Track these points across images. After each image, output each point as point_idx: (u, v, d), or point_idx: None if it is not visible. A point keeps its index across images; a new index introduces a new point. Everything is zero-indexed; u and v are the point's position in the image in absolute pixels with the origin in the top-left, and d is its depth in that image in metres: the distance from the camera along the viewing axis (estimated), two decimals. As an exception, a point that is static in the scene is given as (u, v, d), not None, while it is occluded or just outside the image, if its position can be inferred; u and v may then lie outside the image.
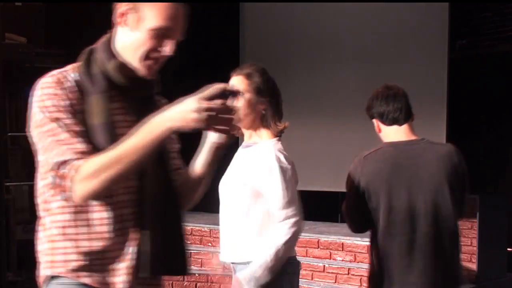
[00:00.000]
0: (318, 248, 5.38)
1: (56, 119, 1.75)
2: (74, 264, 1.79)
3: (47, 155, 1.75)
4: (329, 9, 6.56)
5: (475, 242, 5.90)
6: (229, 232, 2.79)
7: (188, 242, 6.61)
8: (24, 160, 8.05)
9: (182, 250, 1.94)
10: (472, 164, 7.16)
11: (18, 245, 6.51)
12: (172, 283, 5.67)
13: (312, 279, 5.30)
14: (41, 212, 1.86)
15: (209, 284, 5.59)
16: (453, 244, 2.81)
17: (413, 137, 2.85)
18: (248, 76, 2.76)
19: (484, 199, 5.91)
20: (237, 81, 2.76)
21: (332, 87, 6.54)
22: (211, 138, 1.95)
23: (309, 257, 5.33)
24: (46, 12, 7.81)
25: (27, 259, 6.64)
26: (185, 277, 5.66)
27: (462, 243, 5.96)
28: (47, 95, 1.78)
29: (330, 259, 5.31)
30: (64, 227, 1.79)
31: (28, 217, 7.72)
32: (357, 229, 2.89)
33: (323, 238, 5.32)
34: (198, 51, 6.75)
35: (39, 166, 1.84)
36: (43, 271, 1.85)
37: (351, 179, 2.81)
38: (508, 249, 6.26)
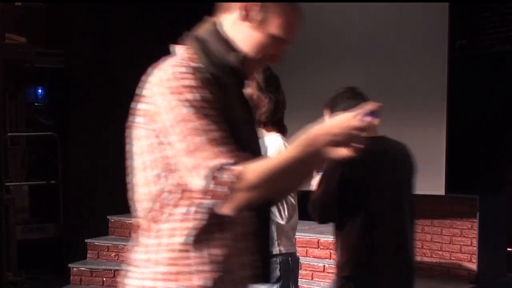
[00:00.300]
0: (318, 248, 5.38)
1: (205, 116, 1.54)
2: (207, 275, 1.62)
3: (195, 156, 1.53)
4: (328, 9, 6.55)
5: (475, 242, 5.90)
6: None
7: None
8: (24, 160, 8.06)
9: (270, 257, 1.87)
10: (472, 164, 7.19)
11: (18, 245, 6.51)
12: (172, 283, 5.67)
13: (312, 279, 5.30)
14: (152, 217, 1.66)
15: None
16: (413, 233, 3.00)
17: (378, 134, 2.92)
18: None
19: (484, 199, 5.92)
20: None
21: (332, 87, 6.49)
22: (336, 153, 1.78)
23: (309, 257, 5.33)
24: (46, 12, 7.81)
25: (27, 259, 6.64)
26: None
27: (462, 243, 6.01)
28: (187, 88, 1.56)
29: (330, 259, 5.31)
30: (195, 234, 1.61)
31: (28, 217, 7.75)
32: (326, 219, 2.93)
33: (323, 238, 5.32)
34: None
35: (151, 165, 1.64)
36: (158, 282, 1.63)
37: (333, 167, 2.83)
38: (508, 249, 6.26)
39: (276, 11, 1.66)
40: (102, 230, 6.37)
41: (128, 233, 6.30)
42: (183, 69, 1.59)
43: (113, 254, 6.06)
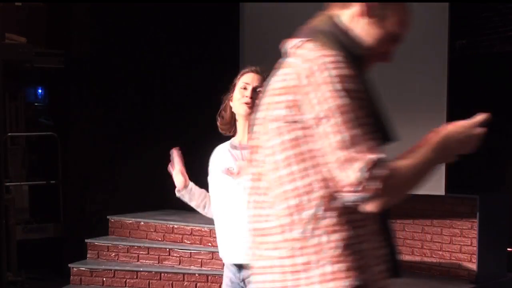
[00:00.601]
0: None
1: (359, 107, 1.52)
2: (366, 269, 1.59)
3: (350, 148, 1.49)
4: (329, 9, 6.56)
5: (475, 242, 5.90)
6: (245, 227, 2.79)
7: (188, 242, 6.49)
8: (24, 160, 8.07)
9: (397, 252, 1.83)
10: (472, 164, 7.17)
11: (18, 245, 6.52)
12: (172, 283, 5.67)
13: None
14: (300, 214, 1.59)
15: (209, 284, 5.59)
16: None
17: None
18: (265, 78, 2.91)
19: (484, 199, 5.91)
20: (257, 79, 2.87)
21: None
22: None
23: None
24: (46, 12, 7.81)
25: (27, 259, 6.65)
26: (185, 276, 5.66)
27: (462, 243, 6.01)
28: (341, 77, 1.52)
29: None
30: (354, 228, 1.58)
31: (28, 217, 7.76)
32: None
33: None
34: (198, 50, 6.75)
35: (296, 159, 1.57)
36: (329, 284, 1.55)
37: None
38: (508, 249, 6.26)
39: (394, 8, 1.68)
40: (102, 230, 6.37)
41: (128, 233, 6.31)
42: (333, 59, 1.55)
43: (113, 254, 6.06)
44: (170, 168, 2.99)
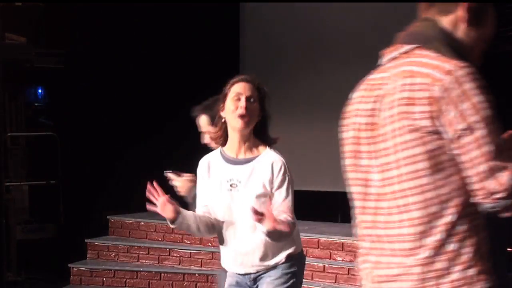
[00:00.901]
0: (318, 248, 5.38)
1: (497, 117, 1.63)
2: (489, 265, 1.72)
3: (497, 158, 1.58)
4: (329, 9, 6.55)
5: (475, 242, 5.91)
6: (254, 242, 2.76)
7: (188, 242, 6.47)
8: (24, 160, 8.07)
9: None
10: (472, 164, 7.15)
11: (18, 245, 6.52)
12: (172, 283, 5.67)
13: (312, 279, 5.30)
14: (436, 222, 1.64)
15: (209, 284, 5.59)
16: None
17: None
18: (258, 87, 2.82)
19: (484, 199, 5.92)
20: (249, 89, 2.78)
21: (332, 87, 6.54)
22: None
23: (309, 257, 5.33)
24: (46, 12, 7.81)
25: (27, 259, 6.65)
26: (185, 276, 5.66)
27: (462, 243, 6.01)
28: (481, 88, 1.61)
29: (330, 259, 5.31)
30: (482, 231, 1.70)
31: (28, 217, 7.76)
32: None
33: (323, 238, 5.31)
34: (198, 51, 6.75)
35: (438, 168, 1.62)
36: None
37: None
38: (508, 249, 6.26)
39: (490, 12, 1.77)
40: (102, 230, 6.37)
41: (128, 233, 6.31)
42: (469, 70, 1.60)
43: (113, 254, 6.07)
44: (151, 206, 2.86)
